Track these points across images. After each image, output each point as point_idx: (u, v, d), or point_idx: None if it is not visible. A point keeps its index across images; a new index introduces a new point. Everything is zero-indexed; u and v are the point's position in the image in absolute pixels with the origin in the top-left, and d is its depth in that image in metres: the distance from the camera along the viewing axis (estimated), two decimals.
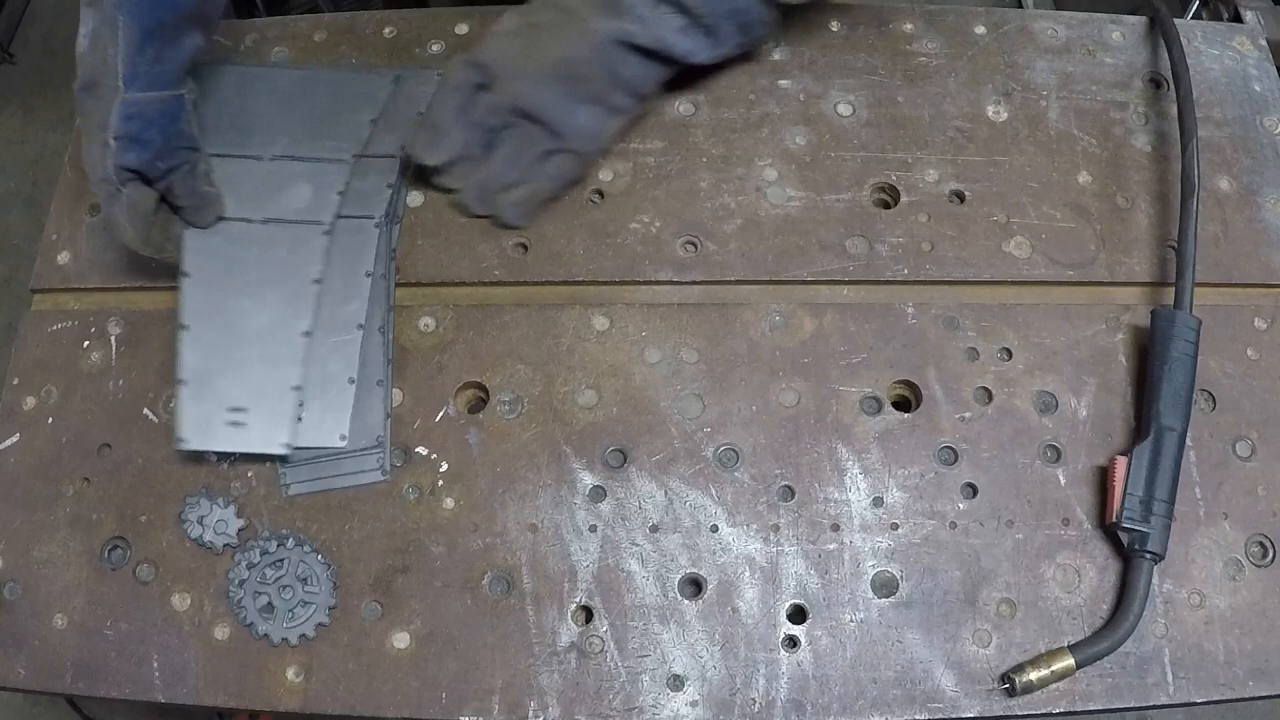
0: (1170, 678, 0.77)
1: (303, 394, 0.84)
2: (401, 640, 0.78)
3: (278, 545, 0.80)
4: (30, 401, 0.87)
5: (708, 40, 0.87)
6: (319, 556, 0.80)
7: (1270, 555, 0.81)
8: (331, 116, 0.94)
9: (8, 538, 0.83)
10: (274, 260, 0.88)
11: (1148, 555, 0.77)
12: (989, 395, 0.86)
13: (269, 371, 0.84)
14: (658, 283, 0.90)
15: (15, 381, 0.88)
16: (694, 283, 0.90)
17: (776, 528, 0.81)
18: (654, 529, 0.81)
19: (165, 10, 0.77)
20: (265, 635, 0.78)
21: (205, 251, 0.87)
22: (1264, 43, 1.03)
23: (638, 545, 0.81)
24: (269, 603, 0.79)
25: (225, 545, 0.81)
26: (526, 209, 0.90)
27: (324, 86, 0.96)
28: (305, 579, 0.79)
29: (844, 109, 0.96)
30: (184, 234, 0.87)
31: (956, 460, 0.84)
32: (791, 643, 0.78)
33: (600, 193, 0.93)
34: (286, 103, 0.95)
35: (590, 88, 0.86)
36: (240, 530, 0.81)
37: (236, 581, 0.79)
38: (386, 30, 1.01)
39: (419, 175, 0.93)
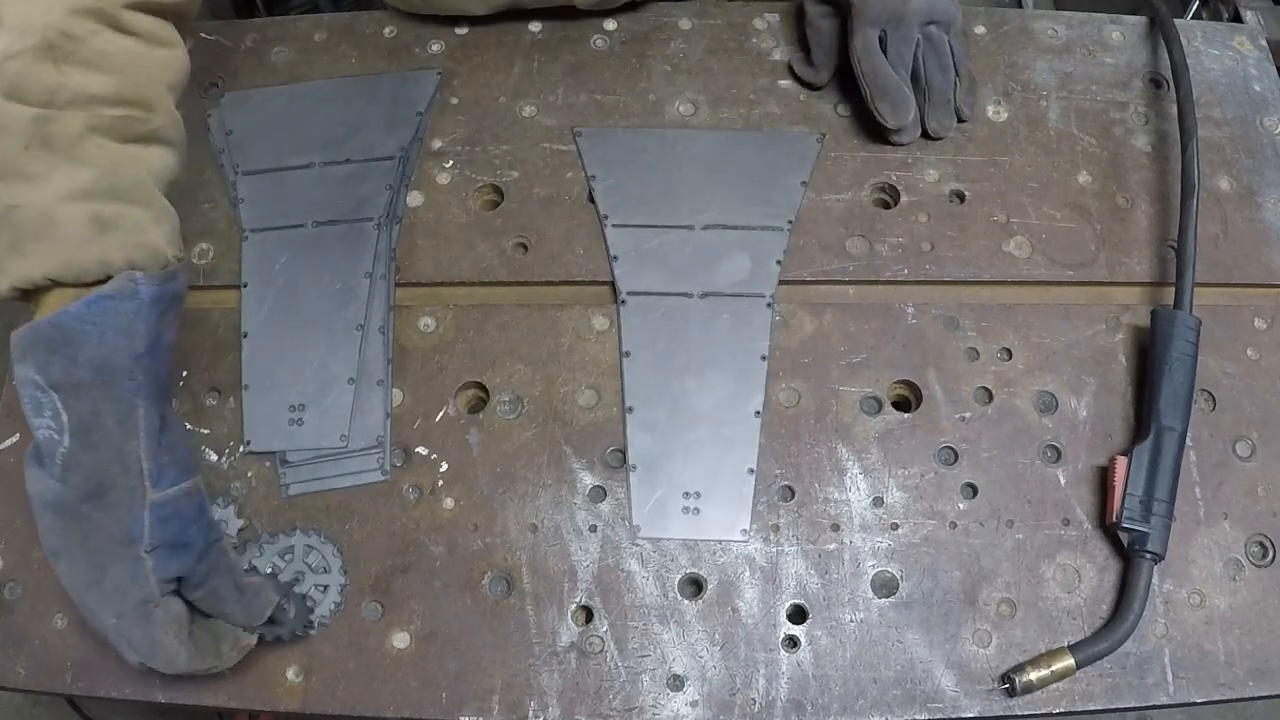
0: (1170, 678, 0.77)
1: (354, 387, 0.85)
2: (401, 640, 0.78)
3: (283, 536, 0.80)
4: None
5: None
6: (323, 538, 0.80)
7: (1270, 555, 0.81)
8: (375, 118, 0.95)
9: (8, 538, 0.82)
10: (329, 260, 0.88)
11: (1148, 555, 0.77)
12: (989, 395, 0.86)
13: (325, 367, 0.85)
14: None
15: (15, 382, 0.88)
16: None
17: (776, 528, 0.81)
18: None
19: (165, 380, 0.68)
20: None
21: (262, 260, 0.88)
22: (1264, 43, 1.03)
23: (638, 545, 0.81)
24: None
25: (238, 546, 0.81)
26: (975, 92, 0.96)
27: (360, 91, 0.97)
28: (314, 565, 0.79)
29: (844, 109, 0.97)
30: (243, 244, 0.88)
31: (956, 460, 0.84)
32: (791, 643, 0.78)
33: None
34: (326, 111, 0.96)
35: None
36: (240, 530, 0.81)
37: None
38: (387, 30, 1.01)
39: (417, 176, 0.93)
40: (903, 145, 0.94)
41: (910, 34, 0.90)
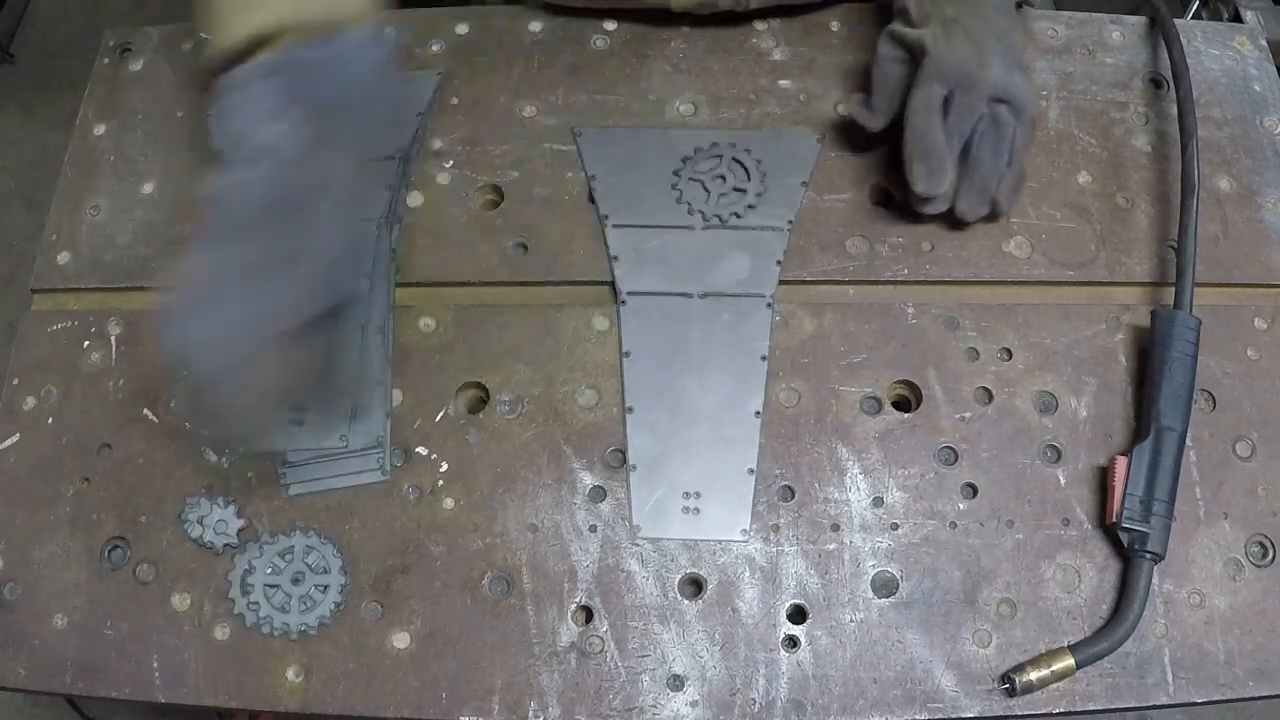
0: (1170, 678, 0.77)
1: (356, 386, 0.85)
2: (401, 640, 0.78)
3: (283, 536, 0.80)
4: (30, 401, 0.87)
5: None
6: (323, 538, 0.80)
7: (1270, 555, 0.81)
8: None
9: (8, 538, 0.83)
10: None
11: (1148, 555, 0.77)
12: (989, 395, 0.86)
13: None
14: None
15: (15, 381, 0.88)
16: None
17: (776, 528, 0.81)
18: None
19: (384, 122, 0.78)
20: (284, 625, 0.78)
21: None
22: (1264, 43, 1.03)
23: (638, 545, 0.81)
24: (281, 592, 0.79)
25: (225, 545, 0.81)
26: (1019, 190, 0.89)
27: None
28: (314, 565, 0.79)
29: (844, 109, 0.96)
30: None
31: (956, 460, 0.84)
32: (791, 643, 0.78)
33: None
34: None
35: (1017, 53, 0.87)
36: (240, 530, 0.81)
37: (242, 575, 0.79)
38: (387, 30, 1.01)
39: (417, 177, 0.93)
40: (925, 215, 0.89)
41: (977, 105, 0.84)
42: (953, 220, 0.90)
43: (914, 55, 0.86)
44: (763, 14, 1.00)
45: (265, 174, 0.69)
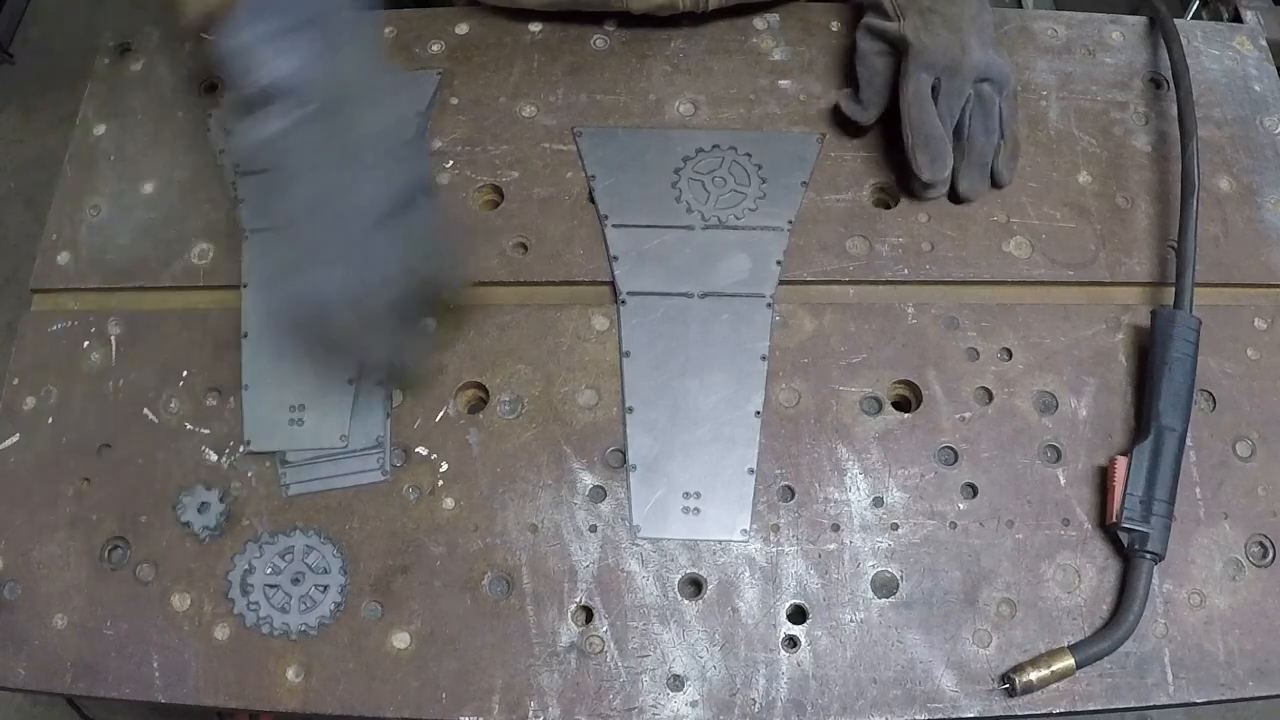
0: (1170, 678, 0.77)
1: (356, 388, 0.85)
2: (401, 640, 0.78)
3: (283, 536, 0.80)
4: (30, 401, 0.87)
5: None
6: (323, 538, 0.80)
7: (1270, 555, 0.81)
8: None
9: (8, 538, 0.83)
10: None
11: (1148, 555, 0.77)
12: (989, 395, 0.86)
13: (325, 367, 0.85)
14: None
15: (15, 381, 0.88)
16: None
17: (776, 528, 0.81)
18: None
19: None
20: (284, 625, 0.78)
21: (263, 258, 0.88)
22: (1264, 43, 1.03)
23: (638, 545, 0.81)
24: (281, 592, 0.79)
25: (206, 530, 0.80)
26: (1016, 159, 0.92)
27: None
28: (314, 565, 0.79)
29: (835, 104, 0.96)
30: (244, 244, 0.89)
31: (956, 460, 0.84)
32: (791, 643, 0.78)
33: None
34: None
35: (990, 31, 0.90)
36: (222, 516, 0.81)
37: (242, 574, 0.79)
38: (386, 30, 1.01)
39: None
40: (927, 200, 0.91)
41: (963, 87, 0.87)
42: (955, 212, 0.91)
43: (895, 48, 0.89)
44: (723, 14, 1.00)
45: (303, 109, 0.71)
